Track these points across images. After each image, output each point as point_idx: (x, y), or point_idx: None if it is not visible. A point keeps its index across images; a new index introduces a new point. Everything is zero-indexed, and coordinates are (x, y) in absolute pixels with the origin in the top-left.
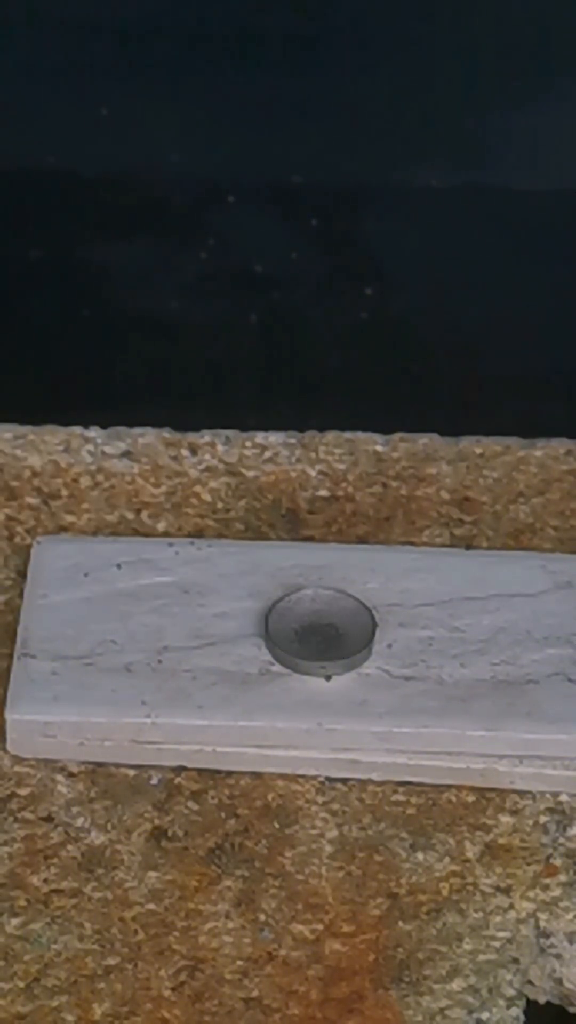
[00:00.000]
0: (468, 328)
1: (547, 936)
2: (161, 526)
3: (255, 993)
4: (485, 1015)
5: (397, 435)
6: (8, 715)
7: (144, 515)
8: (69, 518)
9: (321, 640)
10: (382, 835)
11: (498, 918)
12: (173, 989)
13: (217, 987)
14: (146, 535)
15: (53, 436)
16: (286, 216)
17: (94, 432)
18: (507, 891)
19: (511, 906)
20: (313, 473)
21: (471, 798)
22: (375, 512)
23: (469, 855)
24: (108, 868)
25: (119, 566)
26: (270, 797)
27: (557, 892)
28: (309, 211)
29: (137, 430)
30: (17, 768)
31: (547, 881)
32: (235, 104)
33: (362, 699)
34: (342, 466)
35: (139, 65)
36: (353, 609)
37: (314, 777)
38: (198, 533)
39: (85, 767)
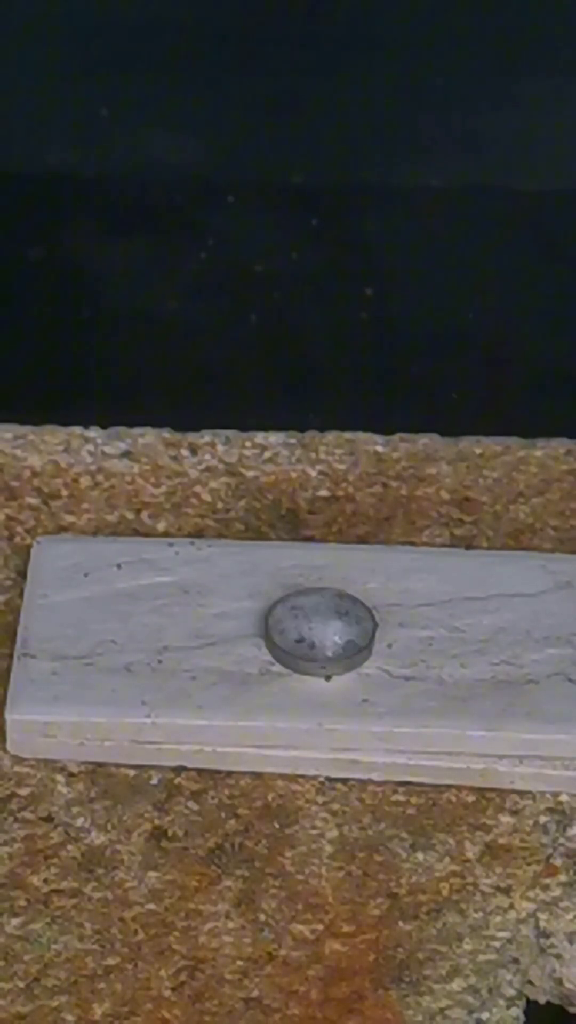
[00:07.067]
0: (468, 328)
1: (547, 936)
2: (161, 526)
3: (255, 993)
4: (485, 1015)
5: (397, 435)
6: (8, 715)
7: (144, 515)
8: (69, 518)
9: (321, 640)
10: (382, 835)
11: (498, 918)
12: (173, 989)
13: (217, 987)
14: (146, 535)
15: (53, 436)
16: (286, 216)
17: (94, 432)
18: (507, 891)
19: (511, 906)
20: (313, 473)
21: (471, 798)
22: (375, 512)
23: (469, 855)
24: (108, 868)
25: (119, 566)
26: (270, 797)
27: (557, 892)
28: (309, 211)
29: (137, 430)
30: (17, 768)
31: (547, 881)
32: (235, 104)
33: (362, 699)
34: (342, 466)
35: (139, 65)
36: (353, 609)
37: (314, 777)
38: (198, 533)
39: (85, 767)
